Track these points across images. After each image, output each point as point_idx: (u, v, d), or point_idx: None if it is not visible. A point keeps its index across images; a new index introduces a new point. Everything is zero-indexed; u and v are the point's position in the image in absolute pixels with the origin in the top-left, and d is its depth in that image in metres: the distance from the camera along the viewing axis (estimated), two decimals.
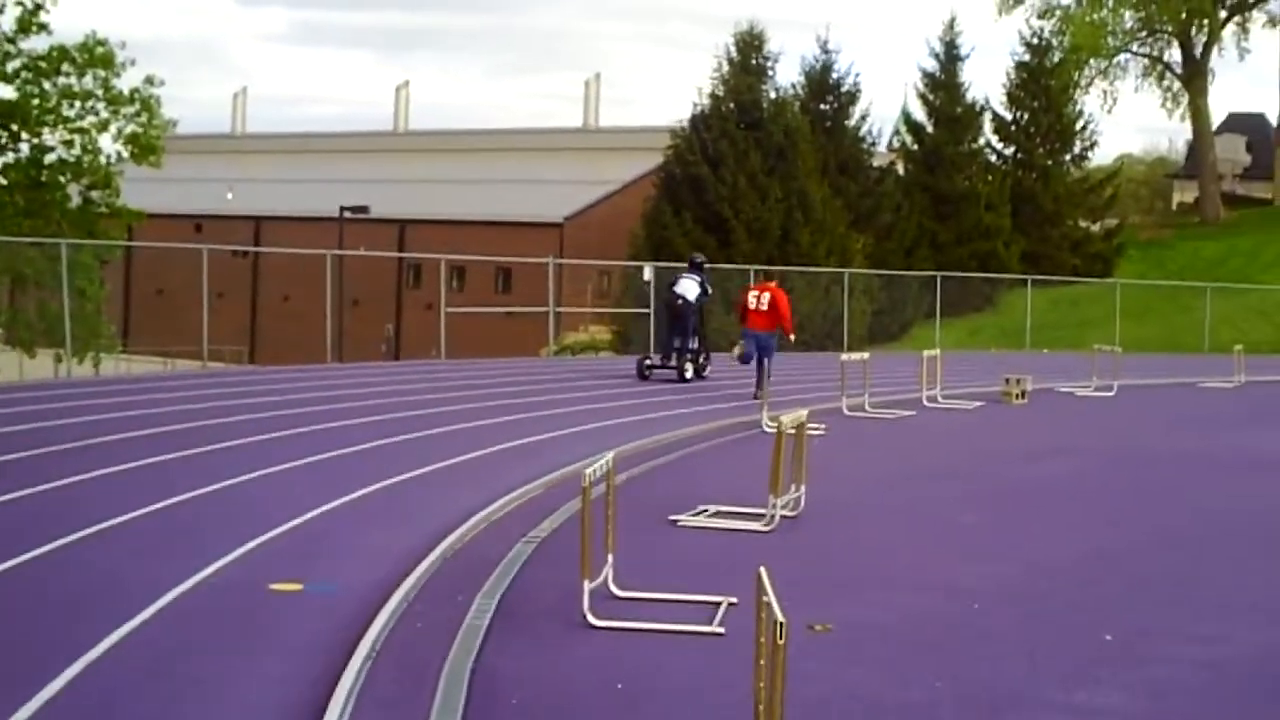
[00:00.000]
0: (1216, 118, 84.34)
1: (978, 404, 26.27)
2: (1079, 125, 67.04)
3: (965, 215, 61.01)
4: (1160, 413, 27.29)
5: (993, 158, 66.29)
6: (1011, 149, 66.43)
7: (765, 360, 24.79)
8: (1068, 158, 66.84)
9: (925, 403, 25.67)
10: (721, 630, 9.35)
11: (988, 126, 66.10)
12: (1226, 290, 55.15)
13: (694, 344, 28.36)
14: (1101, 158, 76.53)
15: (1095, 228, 67.77)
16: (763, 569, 6.38)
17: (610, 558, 10.07)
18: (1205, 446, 21.80)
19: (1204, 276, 58.27)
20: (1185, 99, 78.23)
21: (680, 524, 13.09)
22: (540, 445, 18.20)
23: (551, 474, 15.47)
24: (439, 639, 8.96)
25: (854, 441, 20.64)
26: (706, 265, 29.72)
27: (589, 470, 9.50)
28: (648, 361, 29.01)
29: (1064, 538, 13.66)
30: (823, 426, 20.54)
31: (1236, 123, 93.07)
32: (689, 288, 28.30)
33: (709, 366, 28.60)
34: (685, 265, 29.79)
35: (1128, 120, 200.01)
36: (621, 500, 11.11)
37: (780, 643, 5.68)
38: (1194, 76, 76.96)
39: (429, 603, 9.91)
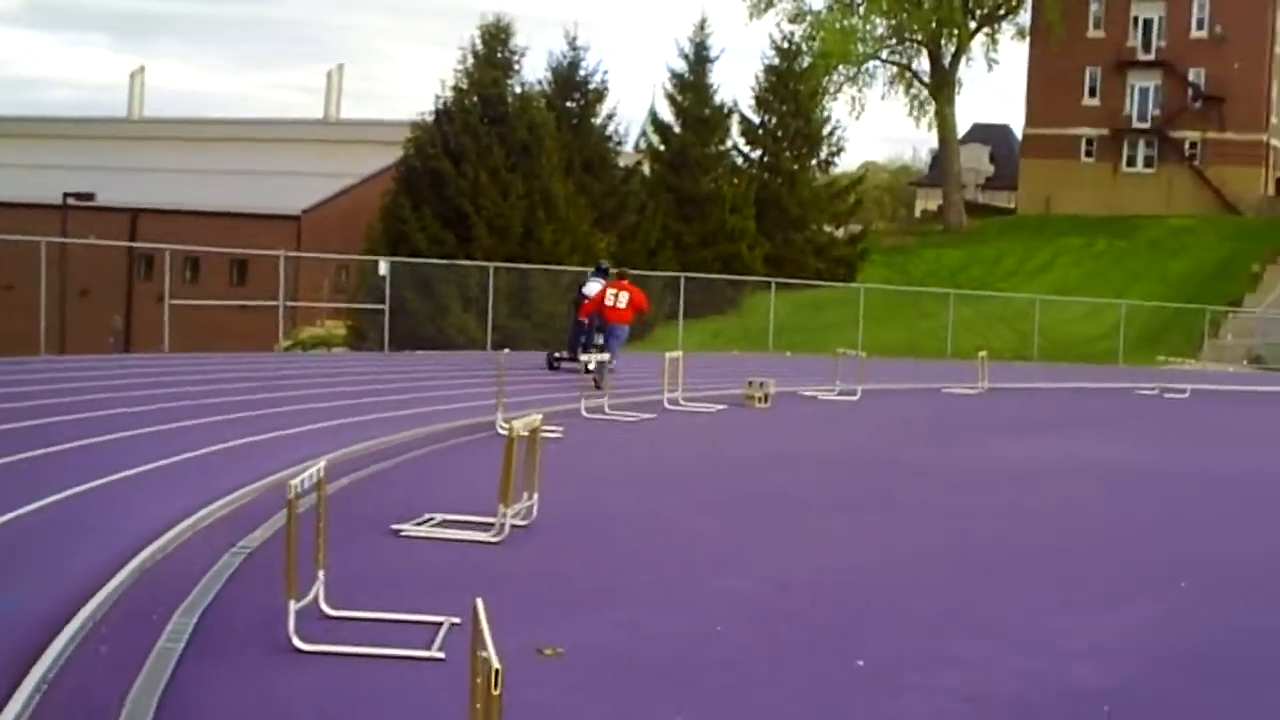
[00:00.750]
0: (962, 128, 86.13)
1: (720, 407, 25.79)
2: (826, 131, 67.80)
3: (710, 217, 61.11)
4: (905, 419, 27.06)
5: (740, 161, 66.65)
6: (759, 152, 66.85)
7: (613, 348, 28.02)
8: (814, 163, 67.63)
9: (667, 405, 25.12)
10: (442, 655, 8.52)
11: (735, 129, 66.47)
12: (968, 297, 55.98)
13: (599, 340, 29.74)
14: (847, 164, 77.69)
15: (839, 233, 68.59)
16: (479, 601, 5.57)
17: (321, 574, 9.17)
18: (953, 455, 21.42)
19: (946, 283, 59.18)
20: (932, 108, 79.53)
21: (403, 534, 12.16)
22: (261, 445, 17.13)
23: (270, 476, 14.36)
24: (125, 666, 7.99)
25: (592, 446, 19.95)
26: (611, 270, 31.72)
27: (296, 480, 8.59)
28: (556, 355, 30.80)
29: (810, 551, 13.04)
30: (559, 430, 19.83)
31: (981, 133, 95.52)
32: (594, 289, 30.17)
33: (615, 360, 29.11)
34: (592, 269, 32.40)
35: (873, 128, 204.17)
36: (341, 507, 10.26)
37: (495, 693, 4.87)
38: (942, 86, 78.32)
39: (118, 623, 8.91)
